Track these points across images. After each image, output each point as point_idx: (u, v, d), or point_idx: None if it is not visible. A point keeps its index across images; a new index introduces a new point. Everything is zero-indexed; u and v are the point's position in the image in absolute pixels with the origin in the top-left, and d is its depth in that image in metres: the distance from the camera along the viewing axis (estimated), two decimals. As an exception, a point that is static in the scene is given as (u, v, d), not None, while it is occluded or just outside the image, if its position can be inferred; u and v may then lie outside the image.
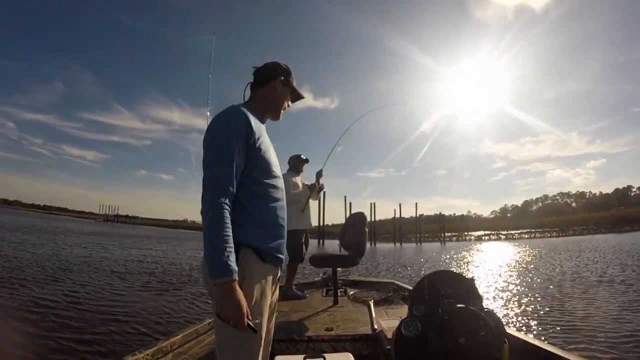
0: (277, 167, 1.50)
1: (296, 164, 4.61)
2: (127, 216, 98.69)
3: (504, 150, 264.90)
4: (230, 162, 1.30)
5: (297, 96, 1.66)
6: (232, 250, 1.22)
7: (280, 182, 1.49)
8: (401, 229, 48.24)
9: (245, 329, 1.22)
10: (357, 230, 4.03)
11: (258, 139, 1.38)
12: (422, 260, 18.17)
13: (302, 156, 4.64)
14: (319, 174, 4.47)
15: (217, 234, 1.21)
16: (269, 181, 1.42)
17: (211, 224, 1.22)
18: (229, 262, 1.20)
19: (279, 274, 1.51)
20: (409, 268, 13.99)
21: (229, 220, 1.25)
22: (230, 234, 1.24)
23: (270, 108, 1.56)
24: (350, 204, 44.53)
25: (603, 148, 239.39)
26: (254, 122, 1.39)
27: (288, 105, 1.62)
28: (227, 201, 1.26)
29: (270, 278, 1.40)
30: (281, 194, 1.48)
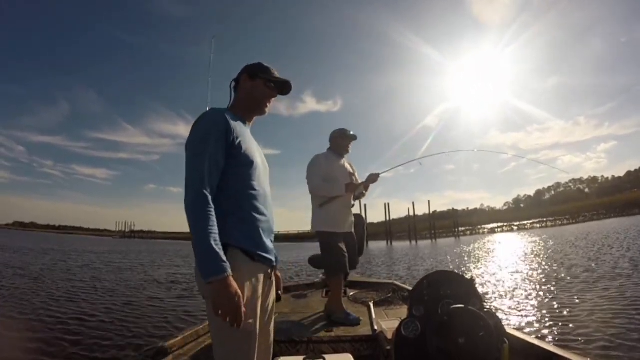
0: (262, 167, 1.50)
1: (340, 143, 3.41)
2: (142, 231, 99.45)
3: (511, 139, 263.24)
4: (208, 155, 1.31)
5: (279, 85, 1.60)
6: (220, 245, 1.23)
7: (264, 181, 1.49)
8: (416, 227, 47.98)
9: (242, 325, 1.23)
10: (355, 231, 3.98)
11: (238, 137, 1.39)
12: (435, 256, 18.13)
13: (348, 131, 3.42)
14: (373, 178, 3.34)
15: (203, 230, 1.22)
16: (253, 180, 1.42)
17: (195, 221, 1.23)
18: (220, 259, 1.20)
19: (272, 274, 1.51)
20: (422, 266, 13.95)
21: (212, 213, 1.26)
22: (216, 228, 1.24)
23: (248, 107, 1.56)
24: (365, 205, 44.44)
25: (612, 130, 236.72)
26: (233, 122, 1.40)
27: (273, 96, 1.59)
28: (206, 192, 1.27)
29: (261, 276, 1.40)
30: (266, 192, 1.48)
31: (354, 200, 3.46)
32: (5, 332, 4.81)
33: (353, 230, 3.44)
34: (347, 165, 3.43)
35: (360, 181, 3.40)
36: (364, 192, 3.42)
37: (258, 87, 1.55)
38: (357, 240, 3.61)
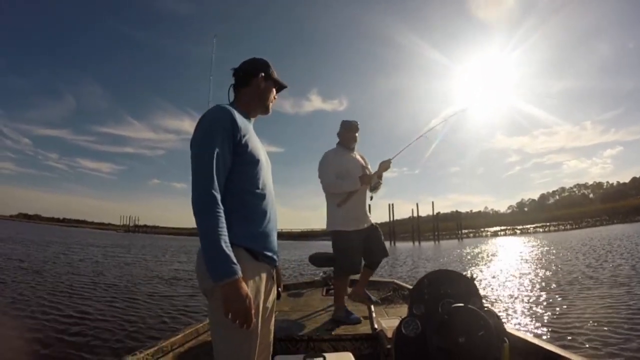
0: (266, 164, 1.50)
1: (346, 135, 3.33)
2: (146, 226, 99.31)
3: (517, 143, 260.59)
4: (215, 153, 1.29)
5: (280, 87, 1.66)
6: (229, 246, 1.22)
7: (268, 179, 1.49)
8: (419, 228, 47.91)
9: (254, 325, 1.25)
10: None
11: (244, 135, 1.38)
12: (439, 257, 18.09)
13: (351, 121, 3.34)
14: (385, 165, 3.27)
15: (213, 232, 1.21)
16: (257, 178, 1.42)
17: (205, 222, 1.22)
18: (231, 261, 1.20)
19: (273, 272, 1.51)
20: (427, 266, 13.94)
21: (221, 214, 1.25)
22: (225, 229, 1.24)
23: (256, 105, 1.57)
24: (369, 206, 44.23)
25: (619, 136, 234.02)
26: (240, 119, 1.39)
27: (275, 98, 1.63)
28: (215, 192, 1.26)
29: (264, 276, 1.39)
30: (270, 190, 1.48)
31: (371, 191, 3.40)
32: (4, 325, 4.84)
33: (371, 223, 3.37)
34: (358, 157, 3.38)
35: (373, 172, 3.35)
36: (380, 181, 3.37)
37: (271, 89, 1.59)
38: None
